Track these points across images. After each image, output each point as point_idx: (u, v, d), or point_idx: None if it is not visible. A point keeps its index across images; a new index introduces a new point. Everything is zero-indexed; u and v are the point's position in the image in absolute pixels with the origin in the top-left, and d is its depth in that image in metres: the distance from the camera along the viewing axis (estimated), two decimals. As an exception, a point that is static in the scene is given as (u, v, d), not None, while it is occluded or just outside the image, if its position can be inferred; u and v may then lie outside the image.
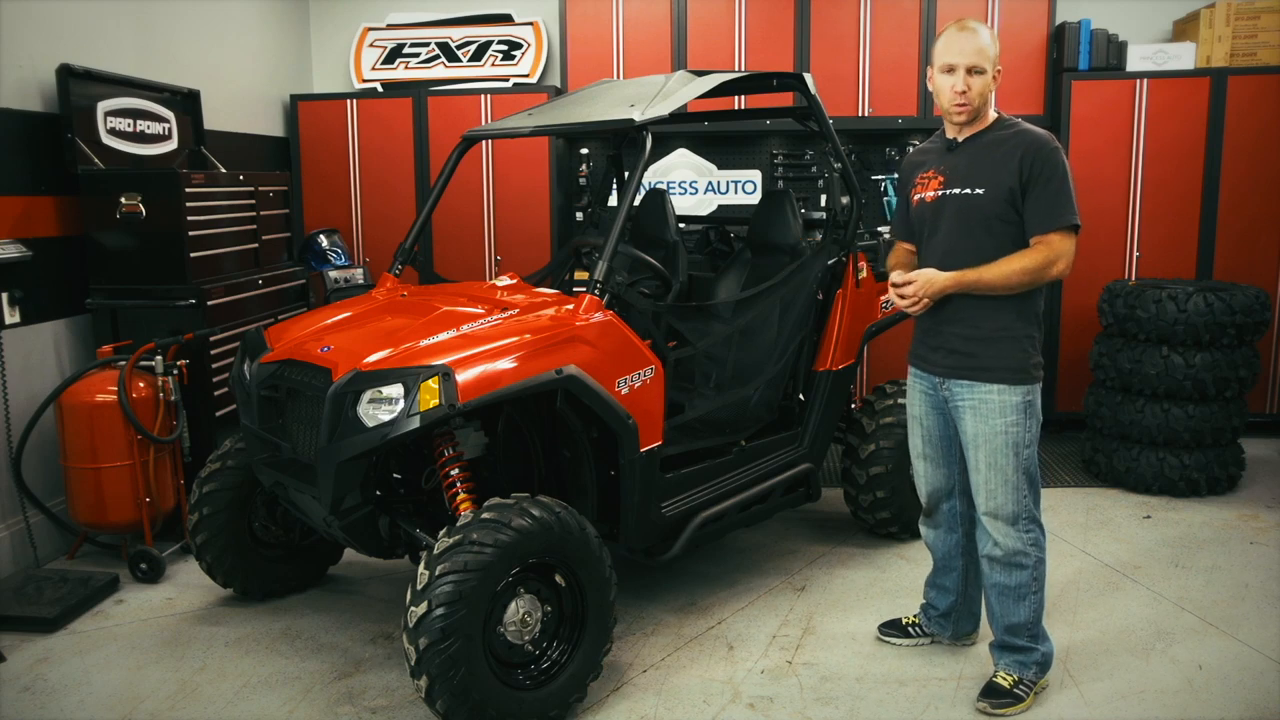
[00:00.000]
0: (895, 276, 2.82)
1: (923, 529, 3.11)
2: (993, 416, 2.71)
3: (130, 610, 3.51)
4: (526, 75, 5.91)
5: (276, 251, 4.78)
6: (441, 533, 2.59)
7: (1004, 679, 2.83)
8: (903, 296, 2.74)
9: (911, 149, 5.74)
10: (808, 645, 3.20)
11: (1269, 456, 5.15)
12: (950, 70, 2.67)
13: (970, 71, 2.65)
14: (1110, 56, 5.34)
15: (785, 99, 4.44)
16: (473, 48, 5.97)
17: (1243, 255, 5.29)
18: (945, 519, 3.02)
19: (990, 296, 2.68)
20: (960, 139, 2.77)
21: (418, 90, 5.80)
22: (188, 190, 4.00)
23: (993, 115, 2.76)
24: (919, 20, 5.50)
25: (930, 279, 2.68)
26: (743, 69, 5.58)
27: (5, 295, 3.72)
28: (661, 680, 3.00)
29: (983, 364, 2.72)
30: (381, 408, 2.65)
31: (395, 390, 2.64)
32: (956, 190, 2.73)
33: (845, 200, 3.82)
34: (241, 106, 5.50)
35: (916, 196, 2.85)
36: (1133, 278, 5.30)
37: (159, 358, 3.79)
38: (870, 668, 3.06)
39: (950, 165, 2.77)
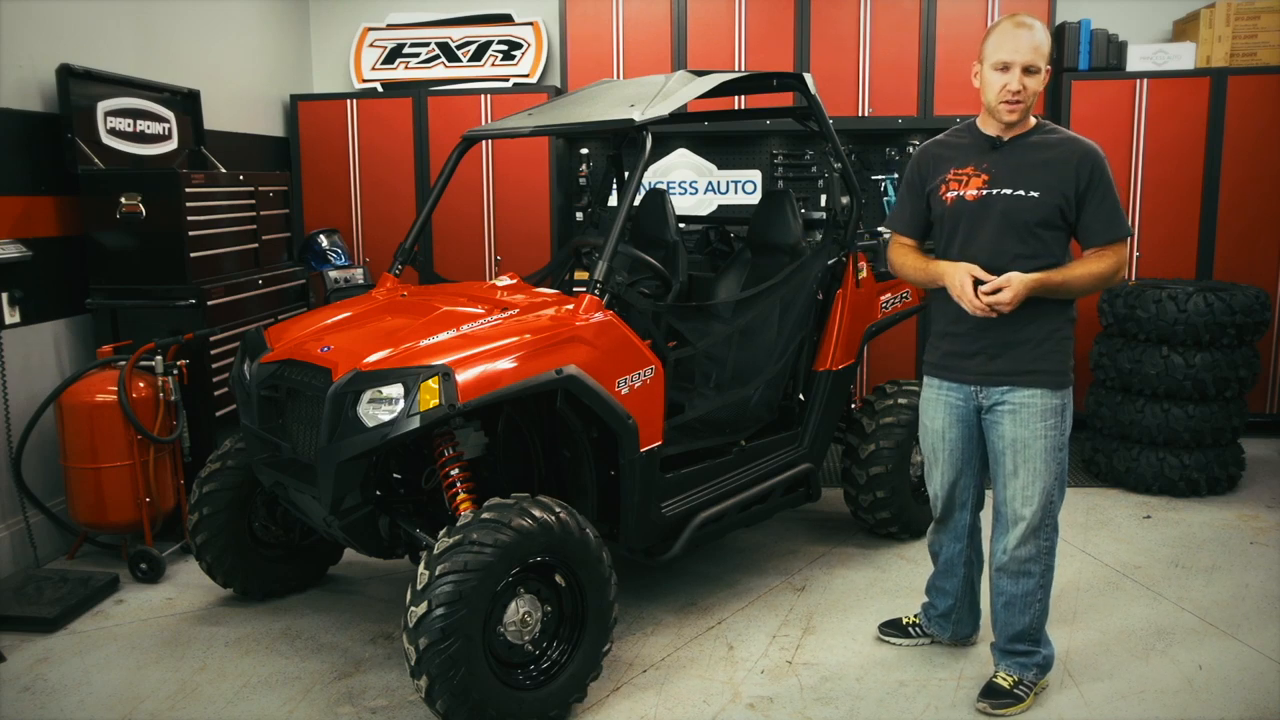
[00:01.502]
0: (970, 284, 2.59)
1: (930, 535, 3.09)
2: (1034, 420, 2.69)
3: (130, 610, 3.51)
4: (526, 75, 5.91)
5: (276, 251, 4.78)
6: (441, 533, 2.59)
7: (1004, 679, 2.83)
8: (984, 296, 2.58)
9: (913, 148, 5.81)
10: (808, 645, 3.20)
11: (1269, 456, 5.15)
12: (1005, 68, 2.60)
13: (1026, 71, 2.59)
14: (1110, 56, 5.34)
15: (785, 99, 4.44)
16: (473, 48, 5.97)
17: (1243, 255, 5.29)
18: (954, 527, 3.01)
19: (1032, 301, 2.63)
20: (1005, 138, 2.71)
21: (418, 90, 5.80)
22: (188, 190, 4.00)
23: (1032, 119, 2.72)
24: (919, 20, 5.50)
25: (1022, 280, 2.55)
26: (743, 69, 5.58)
27: (5, 295, 3.72)
28: (661, 680, 3.00)
29: (1025, 368, 2.69)
30: (381, 408, 2.65)
31: (395, 390, 2.64)
32: (1007, 191, 2.66)
33: (845, 200, 3.82)
34: (241, 106, 5.50)
35: (951, 194, 2.74)
36: (1133, 278, 5.29)
37: (159, 358, 3.79)
38: (870, 668, 3.06)
39: (995, 164, 2.70)
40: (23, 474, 3.74)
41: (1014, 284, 2.56)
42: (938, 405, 2.89)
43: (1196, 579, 3.67)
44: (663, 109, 3.14)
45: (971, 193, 2.71)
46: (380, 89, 5.97)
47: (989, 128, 2.74)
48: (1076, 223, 2.66)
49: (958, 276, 2.65)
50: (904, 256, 2.91)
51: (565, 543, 2.67)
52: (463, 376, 2.63)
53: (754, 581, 3.69)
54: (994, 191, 2.68)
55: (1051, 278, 2.60)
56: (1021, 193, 2.65)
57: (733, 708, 2.84)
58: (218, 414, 4.10)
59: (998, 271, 2.64)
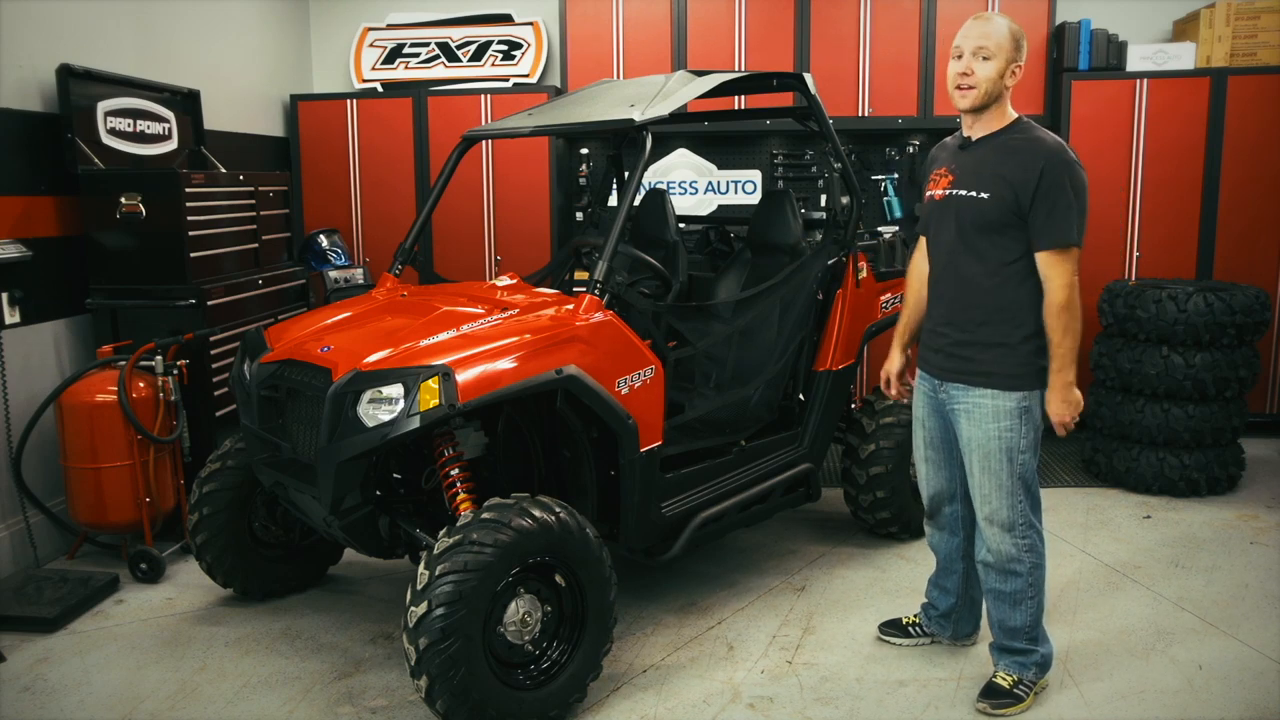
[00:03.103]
0: (882, 381, 3.09)
1: (927, 529, 3.11)
2: (986, 421, 2.69)
3: (130, 610, 3.51)
4: (526, 75, 5.91)
5: (276, 251, 4.78)
6: (441, 533, 2.59)
7: (1004, 679, 2.83)
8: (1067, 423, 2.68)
9: (912, 148, 5.81)
10: (808, 645, 3.20)
11: (1269, 456, 5.15)
12: (958, 55, 2.63)
13: (976, 55, 2.59)
14: (1110, 56, 5.34)
15: (785, 99, 4.44)
16: (473, 48, 5.97)
17: (1243, 255, 5.29)
18: (947, 522, 3.02)
19: (986, 300, 2.66)
20: (974, 138, 2.71)
21: (418, 90, 5.80)
22: (188, 190, 4.00)
23: (1011, 115, 2.69)
24: (919, 20, 5.50)
25: (1055, 413, 2.66)
26: (743, 69, 5.58)
27: (5, 295, 3.72)
28: (661, 680, 3.00)
29: (977, 368, 2.70)
30: (381, 408, 2.65)
31: (395, 390, 2.64)
32: (962, 192, 2.68)
33: (845, 200, 3.82)
34: (241, 106, 5.50)
35: (928, 194, 2.81)
36: (1133, 278, 5.30)
37: (159, 358, 3.79)
38: (870, 668, 3.06)
39: (960, 164, 2.72)
40: (23, 474, 3.74)
41: (1056, 409, 2.65)
42: (918, 394, 2.95)
43: (1196, 579, 3.67)
44: (663, 109, 3.14)
45: (939, 193, 2.76)
46: (380, 89, 5.97)
47: (964, 128, 2.77)
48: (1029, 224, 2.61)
49: (881, 374, 3.13)
50: (909, 273, 3.08)
51: (565, 543, 2.67)
52: (463, 376, 2.63)
53: (754, 581, 3.69)
54: (952, 192, 2.71)
55: (1060, 365, 2.61)
56: (973, 194, 2.65)
57: (733, 708, 2.84)
58: (218, 414, 4.10)
59: (956, 273, 2.72)
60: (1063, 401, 2.64)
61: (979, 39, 2.60)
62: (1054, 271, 2.58)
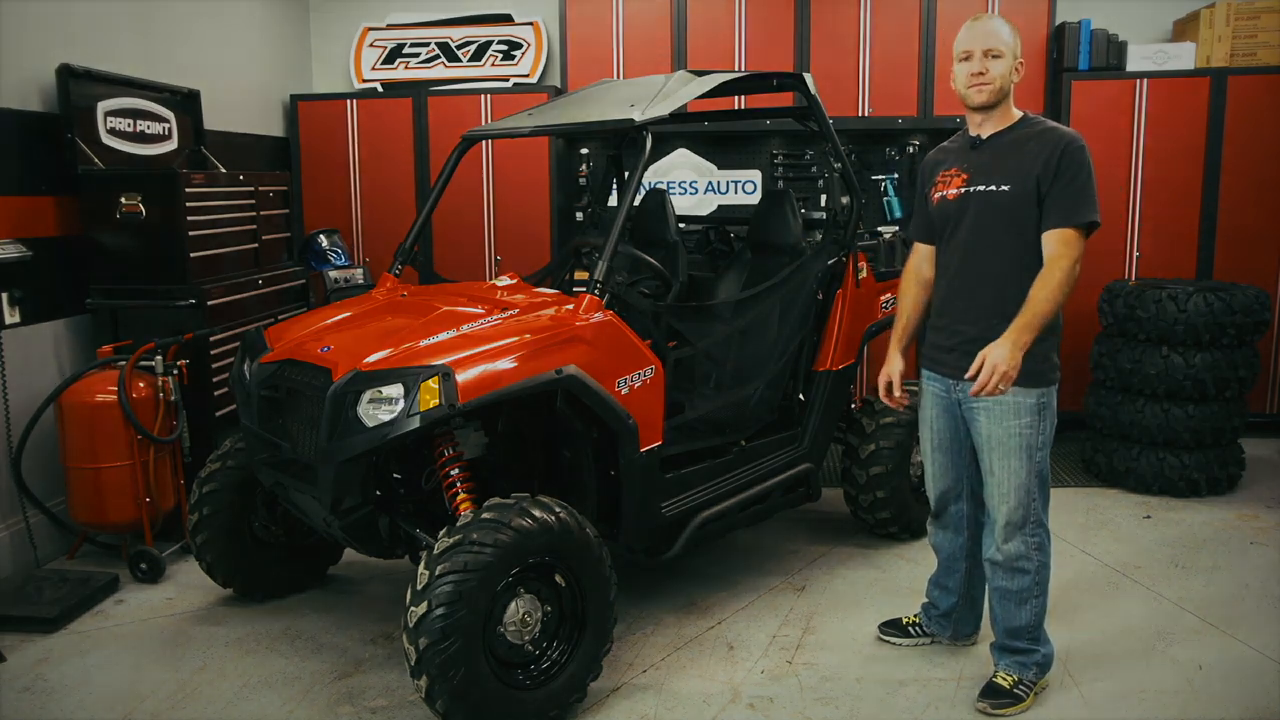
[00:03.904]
0: (883, 387, 2.92)
1: (930, 529, 3.10)
2: (1007, 418, 2.69)
3: (130, 610, 3.51)
4: (526, 75, 5.91)
5: (276, 251, 4.78)
6: (441, 533, 2.59)
7: (1004, 679, 2.83)
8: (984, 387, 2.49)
9: (912, 148, 5.81)
10: (808, 645, 3.20)
11: (1269, 456, 5.15)
12: (967, 57, 2.67)
13: (987, 55, 2.63)
14: (1110, 56, 5.34)
15: (785, 99, 4.44)
16: (473, 48, 5.97)
17: (1243, 255, 5.29)
18: (952, 520, 3.02)
19: (1005, 296, 2.64)
20: (984, 136, 2.74)
21: (418, 90, 5.80)
22: (188, 190, 4.00)
23: (1017, 113, 2.73)
24: (919, 20, 5.50)
25: (996, 358, 2.45)
26: (743, 69, 5.58)
27: (5, 295, 3.72)
28: (661, 680, 3.00)
29: None
30: (381, 408, 2.65)
31: (395, 390, 2.64)
32: (981, 187, 2.69)
33: (845, 200, 3.82)
34: (241, 106, 5.50)
35: (938, 195, 2.81)
36: (1133, 278, 5.29)
37: (159, 358, 3.79)
38: (870, 668, 3.06)
39: (974, 162, 2.74)
40: (23, 474, 3.74)
41: (988, 365, 2.46)
42: (926, 395, 2.93)
43: (1196, 579, 3.67)
44: (663, 109, 3.14)
45: (952, 192, 2.76)
46: (380, 89, 5.97)
47: (972, 128, 2.79)
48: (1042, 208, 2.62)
49: (879, 379, 2.94)
50: (905, 277, 3.03)
51: (565, 543, 2.67)
52: (463, 376, 2.63)
53: (754, 581, 3.69)
54: (970, 189, 2.72)
55: (1027, 322, 2.49)
56: (993, 188, 2.67)
57: (733, 708, 2.84)
58: (218, 414, 4.10)
59: (975, 270, 2.70)
60: (1015, 351, 2.45)
61: (987, 40, 2.64)
62: (1065, 249, 2.54)
